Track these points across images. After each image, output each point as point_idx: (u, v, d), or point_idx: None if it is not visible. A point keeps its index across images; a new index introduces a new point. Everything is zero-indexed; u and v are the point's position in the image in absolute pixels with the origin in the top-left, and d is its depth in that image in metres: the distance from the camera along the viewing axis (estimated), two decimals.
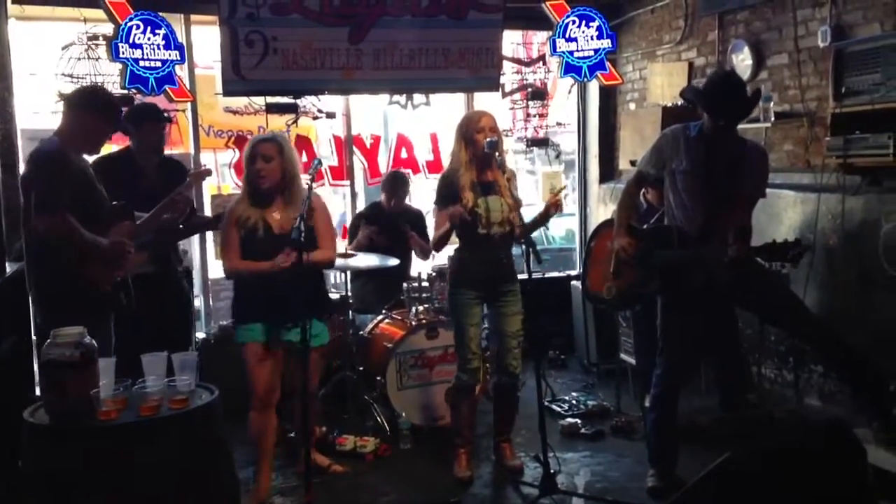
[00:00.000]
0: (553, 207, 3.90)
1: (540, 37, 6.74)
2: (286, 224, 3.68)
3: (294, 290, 3.53)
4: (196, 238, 5.78)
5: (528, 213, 4.01)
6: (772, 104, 4.90)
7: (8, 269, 4.24)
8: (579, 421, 4.80)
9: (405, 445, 4.57)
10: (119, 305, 3.72)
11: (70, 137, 3.59)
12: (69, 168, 3.49)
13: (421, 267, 5.53)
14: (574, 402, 5.17)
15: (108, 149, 4.64)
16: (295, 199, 3.74)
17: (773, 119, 4.88)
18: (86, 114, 3.60)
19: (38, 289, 3.63)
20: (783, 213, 4.80)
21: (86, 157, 3.73)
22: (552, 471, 3.76)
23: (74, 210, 3.43)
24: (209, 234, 5.82)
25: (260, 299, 3.72)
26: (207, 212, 5.70)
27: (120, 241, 3.59)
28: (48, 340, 2.67)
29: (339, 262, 4.91)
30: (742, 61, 5.22)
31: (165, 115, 4.60)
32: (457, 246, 4.17)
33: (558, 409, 5.05)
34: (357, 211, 6.00)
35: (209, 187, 6.27)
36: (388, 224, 5.44)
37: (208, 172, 4.78)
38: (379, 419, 4.73)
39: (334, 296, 5.35)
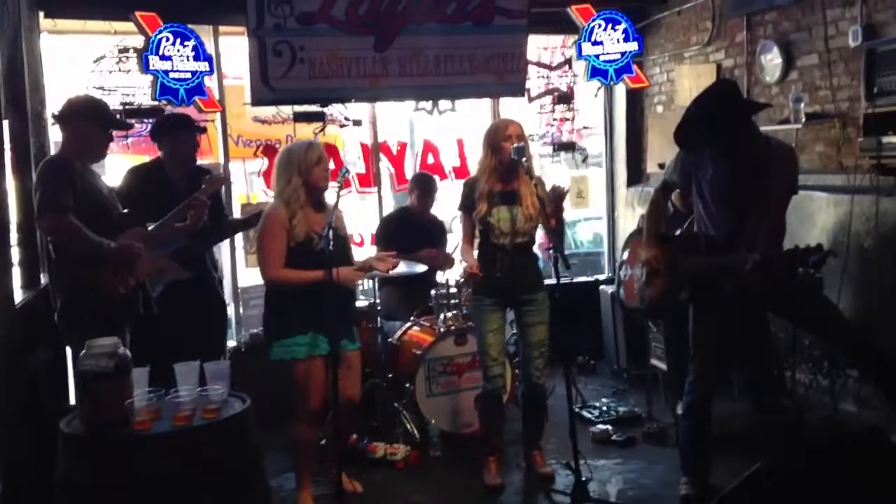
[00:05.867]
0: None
1: (557, 40, 6.70)
2: (319, 228, 3.66)
3: (344, 299, 3.62)
4: (226, 246, 5.83)
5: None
6: (802, 105, 4.83)
7: (43, 281, 4.30)
8: (610, 428, 4.77)
9: (435, 453, 4.57)
10: (135, 313, 3.74)
11: (72, 150, 3.69)
12: (72, 173, 3.56)
13: (448, 273, 5.53)
14: (605, 408, 5.13)
15: (140, 160, 4.72)
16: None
17: (804, 120, 4.82)
18: (78, 123, 3.69)
19: (56, 299, 3.69)
20: (816, 216, 4.74)
21: (119, 169, 3.80)
22: (583, 478, 3.73)
23: (80, 215, 3.48)
24: (238, 243, 5.87)
25: (313, 310, 3.59)
26: None
27: (128, 244, 3.60)
28: (83, 351, 2.72)
29: None
30: (771, 61, 5.17)
31: (199, 124, 4.65)
32: (477, 253, 4.18)
33: (589, 415, 5.02)
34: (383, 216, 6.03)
35: (238, 196, 6.32)
36: (422, 229, 5.47)
37: (223, 181, 4.78)
38: (408, 426, 4.73)
39: (362, 303, 5.39)
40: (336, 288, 3.55)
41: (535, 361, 4.11)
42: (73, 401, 3.95)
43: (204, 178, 4.13)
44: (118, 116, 4.60)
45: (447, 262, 5.47)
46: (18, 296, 3.84)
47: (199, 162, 5.11)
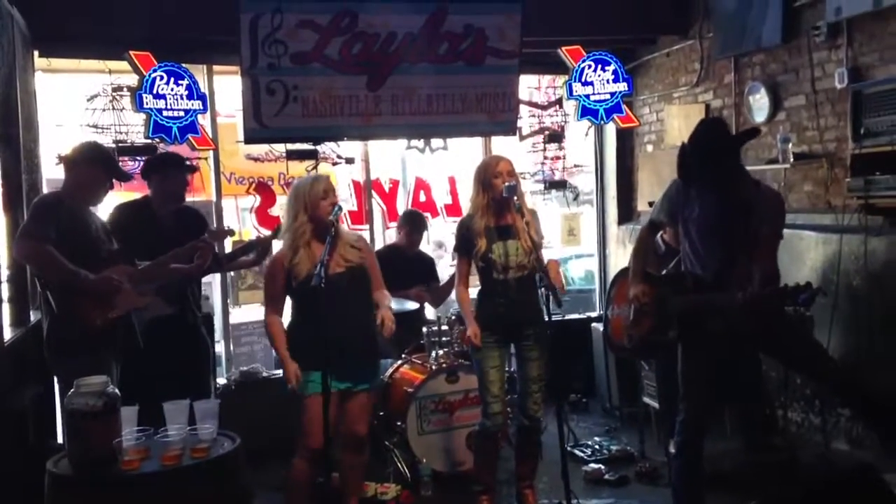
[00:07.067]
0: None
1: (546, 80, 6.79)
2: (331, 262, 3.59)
3: (353, 335, 3.59)
4: (217, 283, 5.82)
5: (546, 255, 4.04)
6: (790, 145, 4.90)
7: (33, 319, 4.28)
8: (603, 466, 4.74)
9: (426, 492, 4.52)
10: (119, 347, 3.72)
11: (70, 192, 3.72)
12: (59, 211, 3.59)
13: (440, 310, 5.53)
14: (597, 447, 5.11)
15: (130, 196, 4.73)
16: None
17: (791, 160, 4.88)
18: (83, 168, 3.73)
19: (45, 332, 3.69)
20: (805, 255, 4.77)
21: (109, 204, 3.81)
22: None
23: (64, 248, 3.48)
24: (230, 280, 5.86)
25: (320, 346, 3.48)
26: None
27: (107, 276, 3.60)
28: (72, 390, 2.69)
29: None
30: (759, 101, 5.25)
31: (190, 163, 4.67)
32: (479, 289, 4.18)
33: (581, 454, 4.99)
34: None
35: None
36: (410, 266, 5.47)
37: (230, 233, 4.79)
38: (399, 465, 4.69)
39: None
40: (342, 326, 3.53)
41: (534, 395, 4.09)
42: (60, 438, 3.91)
43: (209, 230, 4.15)
44: (114, 156, 4.63)
45: (442, 297, 5.47)
46: (7, 333, 3.82)
47: (192, 200, 5.14)
